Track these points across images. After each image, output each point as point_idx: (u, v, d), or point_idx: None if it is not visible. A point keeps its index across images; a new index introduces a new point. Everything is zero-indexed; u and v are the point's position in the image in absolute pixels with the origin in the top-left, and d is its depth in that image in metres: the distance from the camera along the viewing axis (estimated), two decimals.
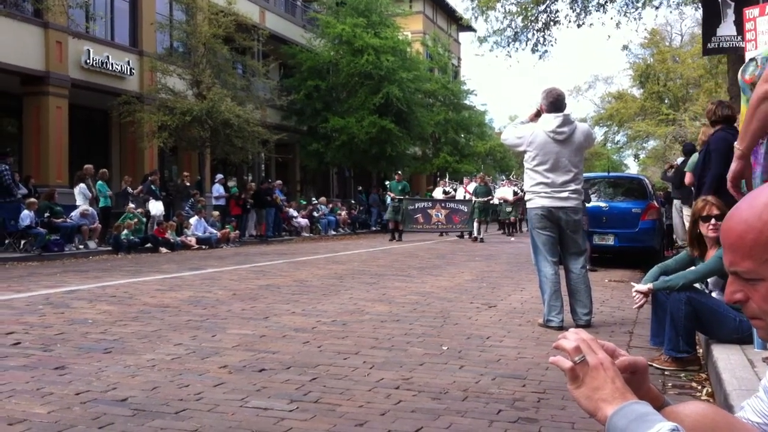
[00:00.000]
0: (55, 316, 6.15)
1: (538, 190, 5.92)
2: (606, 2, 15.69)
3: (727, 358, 3.93)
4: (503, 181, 33.84)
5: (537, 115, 6.11)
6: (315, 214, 24.43)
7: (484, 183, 21.50)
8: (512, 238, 21.58)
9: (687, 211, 9.32)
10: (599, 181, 13.22)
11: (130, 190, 17.20)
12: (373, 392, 3.78)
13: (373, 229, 27.33)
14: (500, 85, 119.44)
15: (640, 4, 15.98)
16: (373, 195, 29.09)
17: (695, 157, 8.41)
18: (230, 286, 8.55)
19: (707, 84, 32.26)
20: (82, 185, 15.67)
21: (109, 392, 3.72)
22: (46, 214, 14.31)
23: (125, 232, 15.18)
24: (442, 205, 21.52)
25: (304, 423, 3.24)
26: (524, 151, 6.02)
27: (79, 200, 15.54)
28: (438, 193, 24.48)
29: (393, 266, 11.69)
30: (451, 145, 36.65)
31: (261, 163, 28.06)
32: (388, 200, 22.04)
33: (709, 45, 7.57)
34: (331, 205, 26.58)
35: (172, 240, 16.26)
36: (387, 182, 24.71)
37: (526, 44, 16.89)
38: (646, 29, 32.71)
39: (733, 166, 3.12)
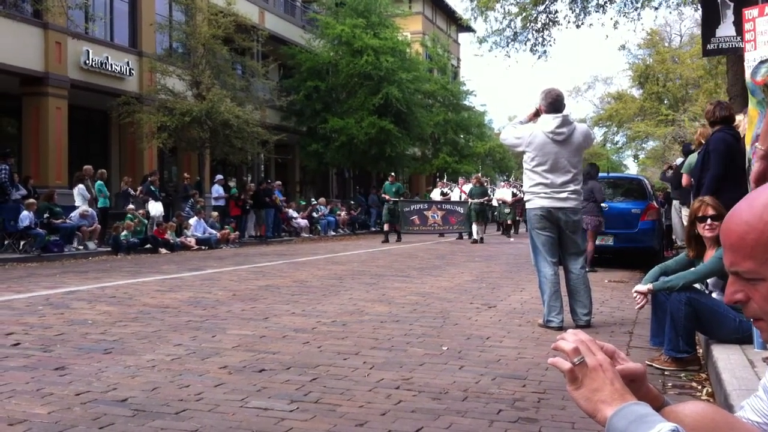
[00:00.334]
0: (55, 317, 6.15)
1: (538, 190, 5.92)
2: (605, 3, 15.70)
3: (727, 358, 3.94)
4: (502, 182, 33.85)
5: (536, 114, 6.11)
6: (314, 214, 24.43)
7: (479, 184, 21.43)
8: (511, 239, 21.58)
9: (686, 212, 9.33)
10: (599, 182, 13.20)
11: (131, 191, 17.21)
12: (374, 392, 3.78)
13: (373, 229, 27.33)
14: (499, 85, 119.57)
15: (639, 5, 16.00)
16: (372, 196, 29.10)
17: (692, 158, 8.42)
18: (230, 287, 8.55)
19: (707, 85, 32.26)
20: (81, 186, 15.68)
21: (109, 393, 3.72)
22: (46, 215, 14.31)
23: (124, 233, 15.18)
24: (438, 206, 21.46)
25: (305, 423, 3.25)
26: (523, 152, 6.03)
27: (78, 201, 15.54)
28: (436, 195, 24.40)
29: (393, 267, 11.69)
30: (451, 146, 36.65)
31: (260, 163, 28.05)
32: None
33: (708, 46, 7.57)
34: (330, 206, 26.58)
35: (171, 241, 16.27)
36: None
37: (526, 44, 16.91)
38: (643, 29, 32.78)
39: (756, 166, 3.06)
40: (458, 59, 48.75)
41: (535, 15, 16.24)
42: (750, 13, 4.79)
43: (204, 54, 20.52)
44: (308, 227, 23.52)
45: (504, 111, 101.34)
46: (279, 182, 24.73)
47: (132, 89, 20.57)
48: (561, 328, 5.56)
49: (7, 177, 13.52)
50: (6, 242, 13.67)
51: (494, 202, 23.99)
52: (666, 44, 39.80)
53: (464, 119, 37.84)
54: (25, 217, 13.54)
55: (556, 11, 16.23)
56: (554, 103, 5.94)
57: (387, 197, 20.31)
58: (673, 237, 14.18)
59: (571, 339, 1.23)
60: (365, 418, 3.33)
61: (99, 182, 16.35)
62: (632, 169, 57.66)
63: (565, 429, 3.23)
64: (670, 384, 4.07)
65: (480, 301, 7.44)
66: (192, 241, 16.90)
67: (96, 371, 4.17)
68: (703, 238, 4.51)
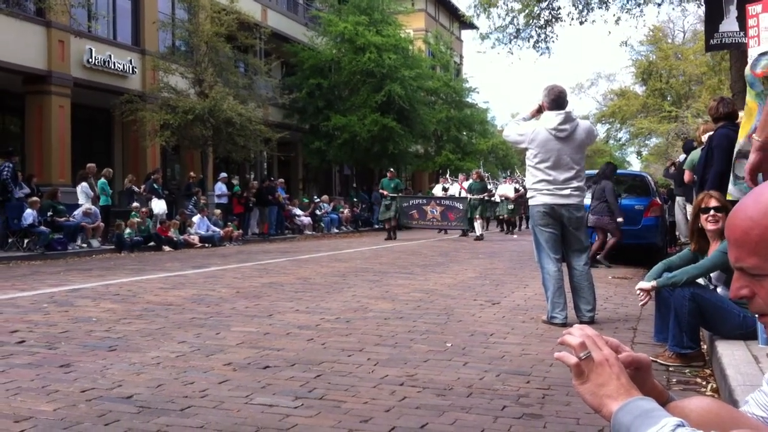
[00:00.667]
0: (60, 315, 6.17)
1: (541, 187, 5.92)
2: None
3: (731, 353, 3.94)
4: (505, 178, 33.80)
5: (538, 111, 6.10)
6: (317, 212, 24.44)
7: (479, 179, 21.35)
8: (514, 236, 21.55)
9: (690, 208, 9.32)
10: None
11: (135, 188, 17.24)
12: (378, 389, 3.79)
13: (376, 227, 27.33)
14: (502, 82, 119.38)
15: (642, 1, 15.95)
16: (375, 193, 29.10)
17: (694, 154, 8.41)
18: (234, 284, 8.57)
19: (710, 81, 32.17)
20: (84, 184, 15.71)
21: (114, 389, 3.73)
22: (49, 213, 14.34)
23: (128, 230, 15.21)
24: (437, 201, 21.35)
25: (309, 419, 3.25)
26: (526, 149, 6.03)
27: (81, 199, 15.58)
28: (438, 190, 24.31)
29: (396, 263, 11.70)
30: (454, 143, 36.60)
31: (263, 161, 28.06)
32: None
33: (711, 41, 7.55)
34: (333, 203, 26.58)
35: (175, 238, 16.29)
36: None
37: (528, 41, 16.88)
38: (645, 26, 32.66)
39: (752, 158, 3.02)
40: (461, 56, 48.67)
41: (537, 11, 16.20)
42: (754, 8, 4.78)
43: (207, 52, 20.52)
44: (311, 225, 23.54)
45: (507, 108, 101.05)
46: (282, 180, 24.75)
47: (135, 87, 20.58)
48: (565, 325, 5.56)
49: (10, 175, 13.55)
50: (10, 240, 13.71)
51: (497, 198, 23.94)
52: (669, 41, 39.72)
53: (467, 116, 37.81)
54: (29, 215, 13.58)
55: (559, 8, 16.20)
56: (557, 99, 5.93)
57: (384, 192, 20.18)
58: (677, 233, 14.16)
59: (577, 334, 1.24)
60: (370, 414, 3.34)
61: (102, 180, 16.38)
62: (635, 165, 57.59)
63: (570, 425, 3.23)
64: (674, 380, 4.07)
65: (484, 298, 7.45)
66: (195, 239, 16.92)
67: (101, 368, 4.19)
68: (706, 231, 4.50)
